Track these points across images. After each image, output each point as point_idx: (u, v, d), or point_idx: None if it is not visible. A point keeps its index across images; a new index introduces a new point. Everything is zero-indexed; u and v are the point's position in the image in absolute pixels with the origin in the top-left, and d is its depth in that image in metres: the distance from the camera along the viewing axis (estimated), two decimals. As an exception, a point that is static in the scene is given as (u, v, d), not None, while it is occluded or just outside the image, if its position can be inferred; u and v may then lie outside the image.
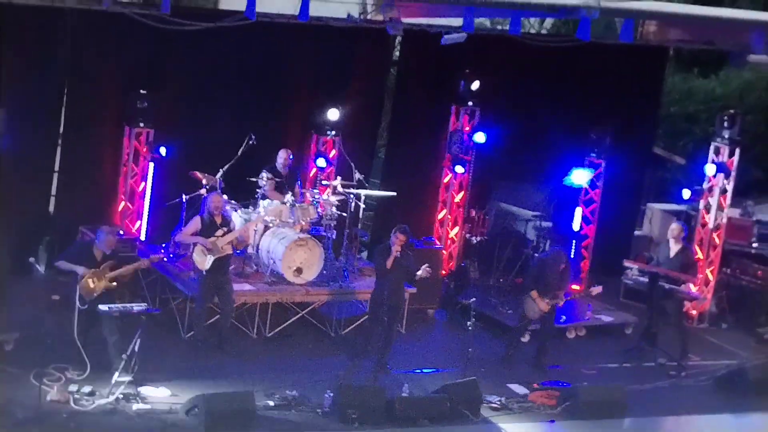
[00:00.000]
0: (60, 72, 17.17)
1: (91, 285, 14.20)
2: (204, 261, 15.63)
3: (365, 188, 18.33)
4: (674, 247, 17.25)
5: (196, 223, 15.87)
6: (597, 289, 16.71)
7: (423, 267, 15.67)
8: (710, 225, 19.34)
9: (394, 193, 18.67)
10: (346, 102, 18.91)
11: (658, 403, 15.85)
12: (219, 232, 15.68)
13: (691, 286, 17.84)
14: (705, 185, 19.38)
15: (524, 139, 19.89)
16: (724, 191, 19.29)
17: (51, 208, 18.00)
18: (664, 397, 16.11)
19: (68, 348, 14.20)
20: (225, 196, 16.58)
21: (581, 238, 20.16)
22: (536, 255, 16.76)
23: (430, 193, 20.01)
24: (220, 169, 17.26)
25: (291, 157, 17.94)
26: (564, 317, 17.79)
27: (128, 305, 14.09)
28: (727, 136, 19.20)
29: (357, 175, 17.92)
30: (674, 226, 17.52)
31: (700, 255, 19.09)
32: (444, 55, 18.13)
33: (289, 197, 17.28)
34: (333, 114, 18.69)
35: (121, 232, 16.88)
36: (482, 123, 19.49)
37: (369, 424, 13.94)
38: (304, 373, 15.34)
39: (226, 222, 15.95)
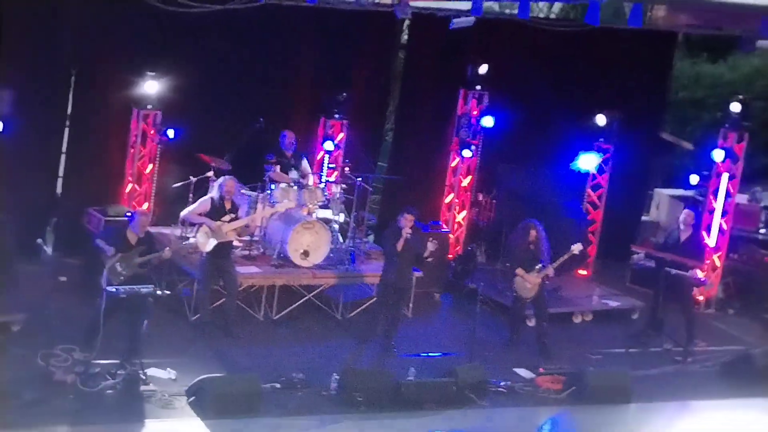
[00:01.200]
0: (68, 53, 17.17)
1: (119, 269, 14.12)
2: (206, 243, 15.61)
3: (373, 172, 18.34)
4: (684, 233, 17.22)
5: (205, 204, 15.86)
6: (577, 246, 16.55)
7: (429, 241, 15.69)
8: (718, 210, 19.32)
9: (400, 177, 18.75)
10: (354, 85, 18.91)
11: (664, 388, 15.85)
12: (226, 218, 15.66)
13: (698, 271, 17.79)
14: (713, 171, 19.36)
15: (532, 123, 19.87)
16: (732, 177, 19.26)
17: (58, 190, 18.02)
18: (670, 382, 16.11)
19: (75, 329, 14.23)
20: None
21: (588, 223, 20.15)
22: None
23: (438, 176, 20.01)
24: (228, 152, 17.27)
25: (295, 139, 17.91)
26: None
27: (135, 286, 14.03)
28: (735, 121, 19.17)
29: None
30: (687, 212, 17.48)
31: (708, 240, 19.07)
32: (452, 39, 18.12)
33: (294, 175, 17.31)
34: (341, 98, 18.67)
35: (129, 213, 16.88)
36: (490, 107, 19.47)
37: (375, 408, 13.95)
38: (311, 356, 15.37)
39: (235, 209, 15.91)
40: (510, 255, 16.60)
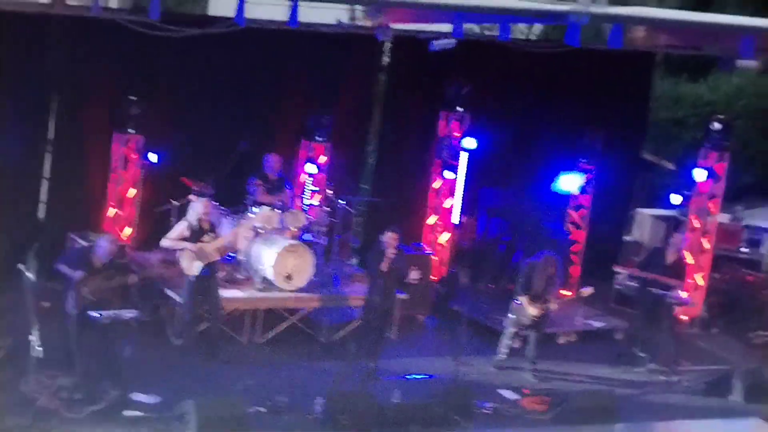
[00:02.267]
0: (49, 78, 17.15)
1: (85, 292, 14.09)
2: (191, 266, 15.60)
3: (356, 194, 18.35)
4: (672, 256, 17.25)
5: (182, 228, 15.84)
6: (588, 290, 16.63)
7: (413, 269, 15.69)
8: (700, 230, 19.36)
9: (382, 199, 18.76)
10: (336, 108, 18.91)
11: (648, 408, 15.86)
12: (206, 238, 15.66)
13: (681, 292, 17.81)
14: (694, 190, 19.40)
15: (514, 144, 19.91)
16: (713, 196, 19.31)
17: (40, 215, 17.96)
18: (654, 402, 16.13)
19: (59, 355, 14.16)
20: (214, 203, 16.54)
21: (570, 244, 20.17)
22: (527, 260, 16.72)
23: (420, 198, 20.01)
24: (210, 175, 17.26)
25: (281, 163, 17.93)
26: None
27: (119, 311, 14.03)
28: (716, 141, 19.23)
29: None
30: (678, 236, 17.54)
31: (690, 260, 19.10)
32: (433, 60, 18.10)
33: (277, 202, 17.30)
34: (323, 120, 18.68)
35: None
36: (472, 128, 19.50)
37: (360, 430, 13.92)
38: (295, 379, 15.31)
39: (213, 228, 15.93)
40: (522, 282, 16.42)
